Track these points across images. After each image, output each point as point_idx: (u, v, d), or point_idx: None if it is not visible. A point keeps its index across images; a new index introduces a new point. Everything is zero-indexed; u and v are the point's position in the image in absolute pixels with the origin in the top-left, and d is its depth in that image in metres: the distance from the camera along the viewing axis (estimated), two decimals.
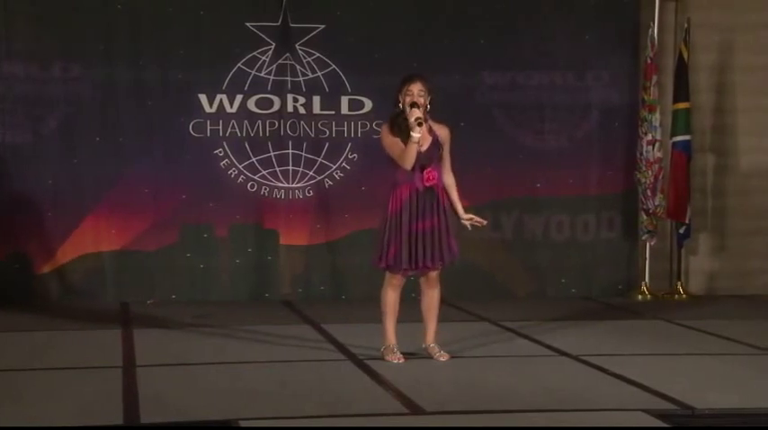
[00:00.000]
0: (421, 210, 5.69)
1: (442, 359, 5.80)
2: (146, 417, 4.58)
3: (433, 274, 5.82)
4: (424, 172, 5.69)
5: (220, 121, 8.19)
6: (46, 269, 7.99)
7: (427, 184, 5.69)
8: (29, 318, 7.32)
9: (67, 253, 7.99)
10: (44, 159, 7.97)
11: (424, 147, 5.70)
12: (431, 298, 5.86)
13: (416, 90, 5.70)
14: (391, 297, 5.80)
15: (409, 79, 5.76)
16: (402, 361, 5.73)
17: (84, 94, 8.00)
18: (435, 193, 5.73)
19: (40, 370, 5.64)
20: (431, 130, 5.75)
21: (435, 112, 7.67)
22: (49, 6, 7.98)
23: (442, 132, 5.80)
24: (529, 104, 8.49)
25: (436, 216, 5.71)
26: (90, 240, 8.04)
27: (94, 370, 5.61)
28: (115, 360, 5.83)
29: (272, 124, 8.24)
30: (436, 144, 5.76)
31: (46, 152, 7.97)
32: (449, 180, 5.81)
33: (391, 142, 5.72)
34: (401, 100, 5.73)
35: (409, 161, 5.66)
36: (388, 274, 5.79)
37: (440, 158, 5.77)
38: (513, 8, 8.44)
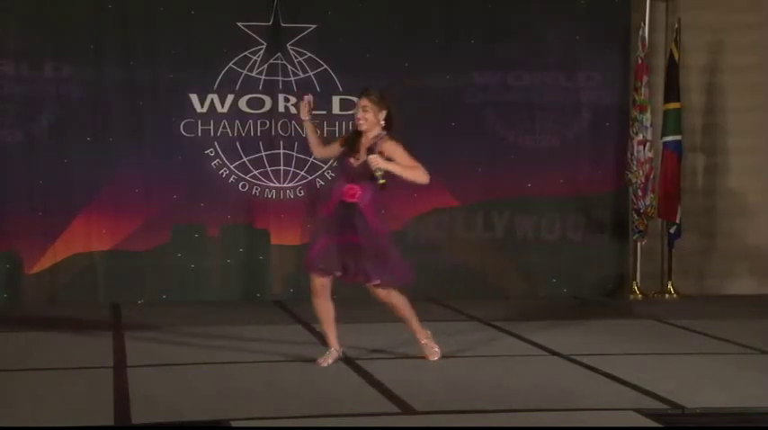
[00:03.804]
0: (339, 223, 5.56)
1: (433, 358, 5.78)
2: (137, 418, 4.58)
3: (381, 293, 5.65)
4: (347, 186, 5.58)
5: (211, 121, 8.18)
6: (37, 269, 7.97)
7: (346, 200, 5.57)
8: (19, 318, 7.30)
9: (58, 253, 7.98)
10: (35, 159, 7.95)
11: (358, 164, 5.58)
12: (392, 308, 5.73)
13: (361, 105, 5.61)
14: (316, 304, 5.68)
15: (361, 93, 5.68)
16: (324, 364, 5.59)
17: (74, 94, 7.99)
18: (358, 211, 5.54)
19: (30, 370, 5.62)
20: (372, 147, 5.56)
21: (423, 112, 7.68)
22: (39, 6, 7.96)
23: (384, 150, 5.52)
24: (520, 105, 8.50)
25: (357, 233, 5.52)
26: (81, 240, 8.02)
27: (85, 370, 5.60)
28: (106, 360, 5.81)
29: (263, 124, 8.23)
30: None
31: (37, 152, 7.95)
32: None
33: (333, 143, 5.76)
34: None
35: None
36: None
37: (374, 178, 5.46)
38: (505, 8, 8.45)
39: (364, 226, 5.55)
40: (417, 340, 5.84)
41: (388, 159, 5.51)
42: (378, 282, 5.61)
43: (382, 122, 5.61)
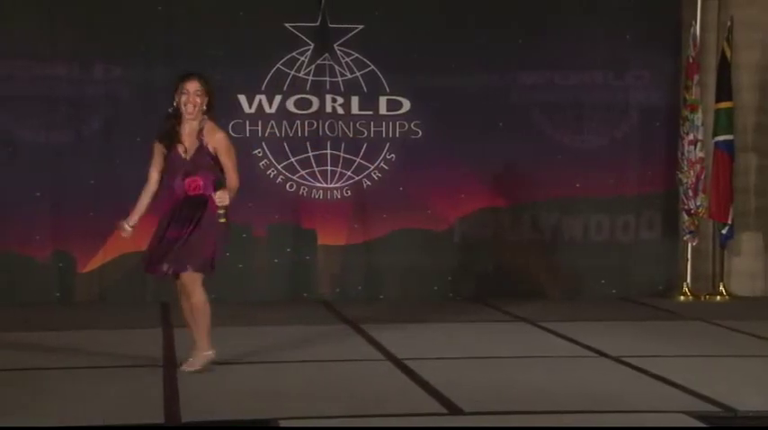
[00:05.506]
0: (182, 219, 5.36)
1: (184, 368, 5.45)
2: (186, 417, 4.61)
3: (185, 280, 5.46)
4: (186, 181, 5.35)
5: (259, 122, 8.23)
6: (87, 268, 8.07)
7: (191, 194, 5.35)
8: (71, 316, 7.40)
9: (109, 252, 8.06)
10: (86, 160, 8.05)
11: (189, 155, 5.37)
12: (188, 307, 5.55)
13: (192, 89, 5.35)
14: (181, 304, 5.56)
15: (186, 77, 5.39)
16: (185, 369, 5.44)
17: (124, 95, 8.07)
18: (203, 202, 5.35)
19: (81, 368, 5.69)
20: (199, 135, 5.37)
21: (469, 112, 7.60)
22: (90, 8, 8.05)
23: (212, 140, 5.37)
24: (567, 104, 8.44)
25: (195, 225, 5.34)
26: (130, 240, 8.05)
27: (135, 369, 5.65)
28: (156, 359, 5.87)
29: (310, 124, 8.26)
30: (203, 151, 5.37)
31: (87, 152, 8.05)
32: (230, 184, 5.37)
33: (152, 149, 5.48)
34: (176, 99, 5.39)
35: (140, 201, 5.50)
36: None
37: (211, 167, 5.36)
38: (552, 7, 8.40)
39: (207, 216, 5.35)
40: (194, 349, 5.51)
41: (215, 150, 5.35)
42: (189, 269, 5.41)
43: (205, 107, 5.41)
